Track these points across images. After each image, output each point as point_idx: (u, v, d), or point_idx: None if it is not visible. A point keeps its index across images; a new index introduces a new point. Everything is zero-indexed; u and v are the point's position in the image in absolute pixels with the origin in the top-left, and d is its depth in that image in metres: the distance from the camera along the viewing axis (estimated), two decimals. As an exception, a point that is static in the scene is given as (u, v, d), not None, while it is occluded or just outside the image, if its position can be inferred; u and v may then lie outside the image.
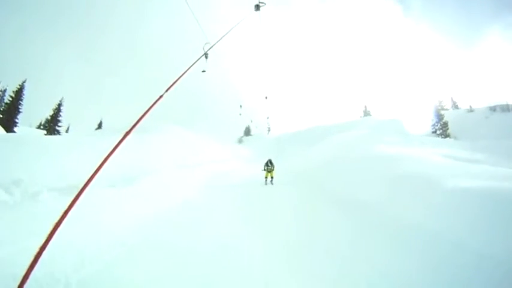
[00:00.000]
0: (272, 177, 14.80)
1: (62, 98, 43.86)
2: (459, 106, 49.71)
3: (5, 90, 37.92)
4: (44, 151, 9.90)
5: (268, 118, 37.43)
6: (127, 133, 3.13)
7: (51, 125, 41.51)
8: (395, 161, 11.03)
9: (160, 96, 3.76)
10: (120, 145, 3.08)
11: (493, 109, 35.26)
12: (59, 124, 42.50)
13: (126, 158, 11.35)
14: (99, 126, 54.51)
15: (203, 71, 6.41)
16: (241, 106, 18.87)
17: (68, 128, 52.58)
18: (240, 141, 62.35)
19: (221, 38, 6.21)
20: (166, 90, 3.93)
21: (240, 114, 21.70)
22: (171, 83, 4.17)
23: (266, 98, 24.57)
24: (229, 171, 20.61)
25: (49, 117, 42.49)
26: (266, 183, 14.46)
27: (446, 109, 45.08)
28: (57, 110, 42.70)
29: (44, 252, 2.13)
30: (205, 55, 5.82)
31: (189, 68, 4.82)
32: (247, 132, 70.39)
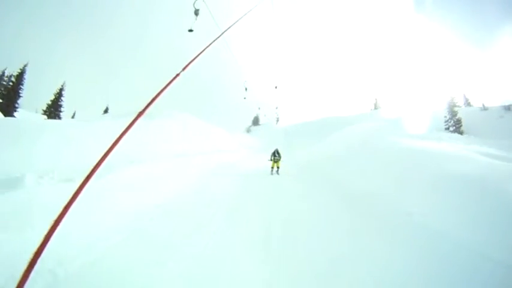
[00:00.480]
0: (278, 168, 14.68)
1: (64, 83, 42.41)
2: (471, 104, 48.80)
3: (10, 76, 37.48)
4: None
5: (277, 108, 37.24)
6: (140, 113, 2.88)
7: (51, 110, 40.30)
8: (434, 158, 9.28)
9: (177, 75, 3.52)
10: (130, 129, 2.83)
11: (507, 108, 34.29)
12: (60, 109, 41.38)
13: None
14: (106, 111, 54.01)
15: (190, 30, 5.95)
16: (246, 89, 18.03)
17: (74, 114, 52.44)
18: (248, 130, 62.19)
19: (233, 24, 5.96)
20: (183, 69, 3.69)
21: (245, 98, 20.60)
22: (188, 62, 3.96)
23: (276, 87, 24.22)
24: (234, 161, 19.59)
25: (50, 102, 40.98)
26: (272, 173, 14.33)
27: (459, 106, 44.14)
28: (59, 95, 41.48)
29: (45, 249, 1.94)
30: (196, 11, 5.48)
31: (207, 47, 4.65)
32: (256, 121, 70.05)
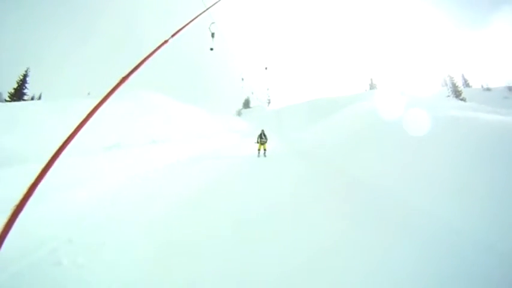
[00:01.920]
0: (265, 150, 14.75)
1: (28, 69, 40.11)
2: (470, 84, 49.36)
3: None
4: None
5: (268, 89, 37.10)
6: (124, 78, 2.65)
7: (14, 99, 36.75)
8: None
9: (166, 41, 3.38)
10: (109, 97, 2.62)
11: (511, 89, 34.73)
12: (24, 97, 38.37)
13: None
14: (89, 94, 53.15)
15: (211, 49, 6.04)
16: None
17: (56, 100, 51.43)
18: (239, 113, 61.98)
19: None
20: (172, 36, 3.57)
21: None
22: (178, 29, 3.82)
23: (266, 68, 24.07)
24: (207, 152, 15.77)
25: (13, 91, 38.35)
26: (259, 156, 14.31)
27: (458, 86, 44.60)
28: (22, 82, 38.98)
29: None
30: (212, 34, 5.49)
31: (197, 17, 4.54)
32: (247, 104, 69.90)
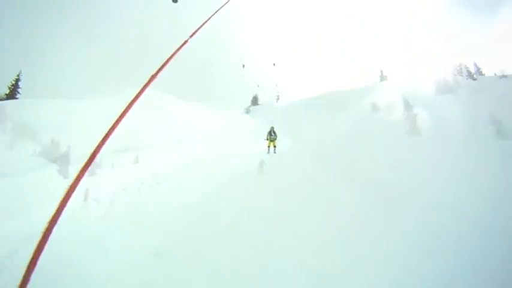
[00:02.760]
0: (275, 147, 15.06)
1: (20, 72, 36.11)
2: (483, 73, 48.32)
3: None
4: None
5: (277, 85, 36.91)
6: (153, 76, 2.74)
7: None
8: None
9: (185, 42, 3.44)
10: (140, 96, 2.65)
11: (530, 76, 34.09)
12: None
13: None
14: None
15: (174, 1, 5.89)
16: (244, 66, 17.41)
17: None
18: (248, 111, 61.48)
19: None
20: (191, 36, 3.62)
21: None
22: (196, 29, 3.88)
23: (274, 64, 24.03)
24: (210, 154, 14.58)
25: (5, 96, 33.81)
26: (268, 152, 14.73)
27: (473, 74, 43.87)
28: (14, 87, 34.76)
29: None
30: None
31: (214, 14, 4.57)
32: (255, 101, 69.30)
